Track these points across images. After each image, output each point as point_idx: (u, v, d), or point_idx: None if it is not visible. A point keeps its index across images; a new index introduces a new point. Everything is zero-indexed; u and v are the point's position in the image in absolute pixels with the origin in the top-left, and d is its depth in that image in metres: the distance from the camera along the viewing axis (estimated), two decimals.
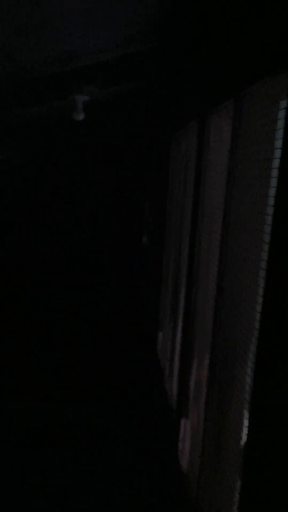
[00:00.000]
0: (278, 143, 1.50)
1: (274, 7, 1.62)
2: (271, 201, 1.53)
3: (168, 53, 2.54)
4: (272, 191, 1.54)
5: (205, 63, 2.75)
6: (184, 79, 3.31)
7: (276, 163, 1.53)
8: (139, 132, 7.48)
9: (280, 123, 1.48)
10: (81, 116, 3.64)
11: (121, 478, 3.16)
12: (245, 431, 1.69)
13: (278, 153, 1.49)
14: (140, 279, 7.46)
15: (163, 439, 3.51)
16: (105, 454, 3.39)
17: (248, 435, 1.58)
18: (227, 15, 1.89)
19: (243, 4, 1.78)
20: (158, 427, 3.69)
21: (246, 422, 1.68)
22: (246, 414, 1.67)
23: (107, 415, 3.90)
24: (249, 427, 1.58)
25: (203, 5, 1.78)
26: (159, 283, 5.04)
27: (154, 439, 3.55)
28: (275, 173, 1.52)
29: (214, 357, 2.21)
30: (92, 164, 7.72)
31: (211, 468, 2.16)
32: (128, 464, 3.29)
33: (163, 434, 3.55)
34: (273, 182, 1.54)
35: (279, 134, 1.49)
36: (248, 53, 1.96)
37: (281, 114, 1.47)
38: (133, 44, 2.28)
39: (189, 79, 3.27)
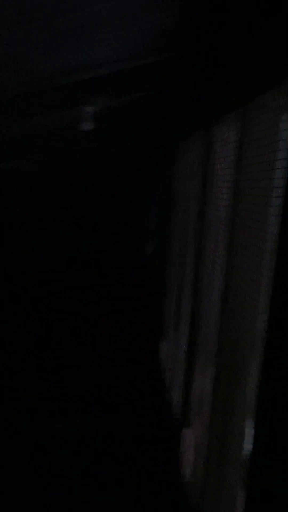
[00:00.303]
0: (282, 154, 1.52)
1: (278, 23, 1.65)
2: (276, 211, 1.54)
3: (176, 65, 2.59)
4: (277, 201, 1.55)
5: (213, 75, 2.79)
6: (191, 91, 3.35)
7: (280, 174, 1.54)
8: (145, 142, 7.53)
9: (284, 134, 1.50)
10: (89, 126, 3.68)
11: (123, 487, 3.14)
12: (249, 441, 1.68)
13: (281, 164, 1.51)
14: (144, 288, 7.46)
15: (166, 448, 3.49)
16: (107, 463, 3.37)
17: (253, 445, 1.58)
18: (235, 30, 1.93)
19: (249, 20, 1.82)
20: (161, 436, 3.67)
21: (250, 432, 1.67)
22: (250, 424, 1.67)
23: (110, 425, 3.88)
24: (254, 437, 1.58)
25: (212, 20, 1.82)
26: (162, 292, 5.05)
27: (156, 448, 3.53)
28: (280, 183, 1.54)
29: (219, 365, 2.21)
30: (98, 173, 7.77)
31: (215, 478, 2.15)
32: (130, 473, 3.27)
33: (166, 444, 3.53)
34: (278, 192, 1.56)
35: (282, 145, 1.51)
36: (253, 67, 2.00)
37: (285, 125, 1.49)
38: (143, 56, 2.33)
39: (196, 90, 3.31)
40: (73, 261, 7.60)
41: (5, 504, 2.80)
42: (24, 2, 1.43)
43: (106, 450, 3.53)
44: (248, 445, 1.67)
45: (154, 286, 6.39)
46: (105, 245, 8.01)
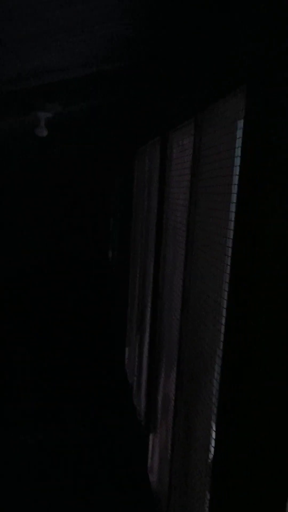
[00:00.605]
0: (237, 161, 1.56)
1: (231, 34, 1.70)
2: (233, 216, 1.57)
3: (130, 73, 2.60)
4: (233, 206, 1.59)
5: (167, 83, 2.83)
6: (147, 98, 3.38)
7: (236, 179, 1.58)
8: (103, 149, 7.52)
9: (238, 142, 1.53)
10: (44, 133, 3.63)
11: (90, 494, 3.09)
12: (213, 443, 1.70)
13: (237, 170, 1.55)
14: (107, 294, 7.42)
15: (132, 455, 3.47)
16: (72, 472, 3.31)
17: (215, 447, 1.60)
18: (189, 40, 1.97)
19: (201, 30, 1.85)
20: (127, 443, 3.65)
21: (214, 435, 1.69)
22: (214, 426, 1.68)
23: (74, 433, 3.82)
24: (216, 438, 1.59)
25: (166, 29, 1.85)
26: (125, 298, 5.04)
27: (123, 456, 3.50)
28: (235, 189, 1.57)
29: (181, 370, 2.23)
30: (57, 180, 7.67)
31: (181, 482, 2.15)
32: (97, 481, 3.22)
33: (132, 451, 3.52)
34: (234, 197, 1.59)
35: (237, 152, 1.54)
36: (207, 76, 2.04)
37: (239, 133, 1.53)
38: (98, 64, 2.32)
39: (151, 98, 3.34)
40: (33, 268, 7.45)
41: None
42: None
43: (71, 457, 3.47)
44: (212, 448, 1.69)
45: (117, 292, 6.37)
46: (66, 252, 7.90)
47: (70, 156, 7.42)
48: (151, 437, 3.04)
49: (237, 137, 1.58)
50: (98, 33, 1.90)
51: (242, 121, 1.50)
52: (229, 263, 1.56)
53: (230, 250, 1.56)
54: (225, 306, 1.58)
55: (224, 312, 1.59)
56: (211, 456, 1.68)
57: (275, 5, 1.28)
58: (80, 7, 1.56)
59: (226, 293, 1.57)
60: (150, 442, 3.05)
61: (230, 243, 1.57)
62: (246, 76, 1.47)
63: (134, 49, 2.13)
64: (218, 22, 1.76)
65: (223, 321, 1.59)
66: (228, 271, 1.56)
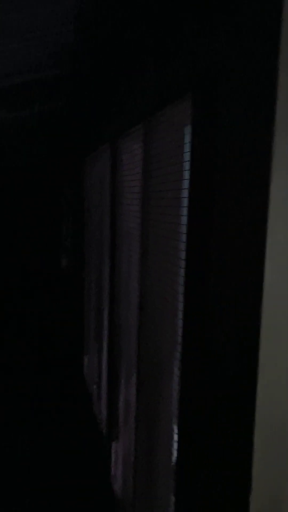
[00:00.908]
0: (186, 165, 1.59)
1: (176, 43, 1.73)
2: (184, 220, 1.60)
3: (79, 79, 2.59)
4: (184, 210, 1.61)
5: (113, 90, 2.84)
6: (95, 104, 3.37)
7: (186, 183, 1.61)
8: (52, 155, 7.42)
9: (187, 147, 1.56)
10: None
11: (54, 504, 3.01)
12: (175, 446, 1.71)
13: (187, 175, 1.58)
14: (62, 303, 7.30)
15: (95, 465, 3.42)
16: (32, 488, 3.21)
17: (178, 449, 1.61)
18: (135, 47, 1.99)
19: (149, 39, 1.88)
20: (89, 453, 3.59)
21: (176, 437, 1.70)
22: (175, 429, 1.69)
23: (33, 446, 3.71)
24: (178, 441, 1.60)
25: (112, 37, 1.86)
26: (81, 306, 4.98)
27: (85, 466, 3.44)
28: (186, 193, 1.60)
29: (141, 376, 2.23)
30: (5, 187, 7.47)
31: (145, 488, 2.14)
32: (59, 494, 3.15)
33: (95, 460, 3.46)
34: (185, 201, 1.62)
35: (186, 157, 1.57)
36: (153, 82, 2.06)
37: (187, 138, 1.56)
38: (44, 69, 2.29)
39: (100, 104, 3.34)
40: None
41: None
42: None
43: (33, 467, 3.37)
44: (174, 451, 1.69)
45: (72, 300, 6.28)
46: (15, 262, 7.69)
47: (17, 162, 7.26)
48: (113, 445, 3.02)
49: (186, 142, 1.61)
50: (42, 40, 1.88)
51: (189, 126, 1.53)
52: (183, 266, 1.58)
53: (183, 253, 1.58)
54: (181, 308, 1.60)
55: (181, 314, 1.61)
56: (174, 459, 1.69)
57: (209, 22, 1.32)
58: (21, 14, 1.54)
59: (182, 295, 1.59)
60: (113, 451, 3.02)
61: (183, 246, 1.59)
62: (191, 83, 1.50)
63: (78, 56, 2.13)
64: (163, 31, 1.79)
65: (180, 323, 1.60)
66: (182, 274, 1.58)
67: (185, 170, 1.62)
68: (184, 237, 1.59)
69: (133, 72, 2.40)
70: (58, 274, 8.28)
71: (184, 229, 1.60)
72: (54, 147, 6.68)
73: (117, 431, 2.93)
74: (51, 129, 4.77)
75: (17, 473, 3.37)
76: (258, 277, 1.04)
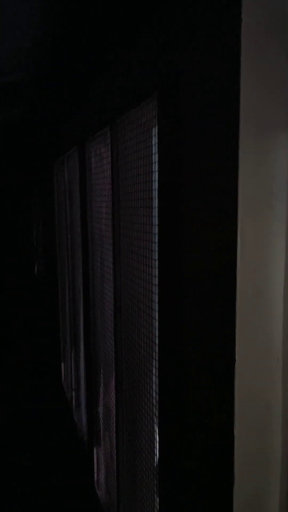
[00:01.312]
0: (155, 167, 1.60)
1: (139, 45, 1.74)
2: (156, 221, 1.61)
3: (42, 84, 2.57)
4: (155, 211, 1.62)
5: (81, 92, 2.83)
6: (61, 109, 3.35)
7: (156, 185, 1.62)
8: (20, 160, 7.31)
9: (155, 148, 1.57)
10: None
11: None
12: (157, 446, 1.71)
13: (156, 176, 1.58)
14: (37, 310, 7.19)
15: (78, 472, 3.38)
16: (15, 499, 3.14)
17: (160, 449, 1.61)
18: (99, 50, 1.98)
19: (112, 42, 1.88)
20: (71, 461, 3.55)
21: (157, 438, 1.70)
22: (156, 429, 1.69)
23: (14, 457, 3.64)
24: (160, 441, 1.60)
25: (75, 41, 1.85)
26: (56, 312, 4.92)
27: (68, 474, 3.40)
28: (156, 194, 1.61)
29: (119, 380, 2.22)
30: None
31: (129, 491, 2.13)
32: (42, 504, 3.09)
33: (77, 468, 3.42)
34: (155, 203, 1.63)
35: (155, 158, 1.58)
36: (119, 85, 2.07)
37: (154, 140, 1.57)
38: (6, 75, 2.26)
39: (66, 108, 3.32)
40: None
41: None
42: None
43: (15, 478, 3.30)
44: (156, 452, 1.69)
45: (47, 307, 6.19)
46: None
47: None
48: (95, 451, 2.99)
49: (153, 143, 1.62)
50: (11, 44, 1.86)
51: (155, 128, 1.54)
52: (156, 266, 1.58)
53: (156, 254, 1.59)
54: (157, 309, 1.61)
55: (156, 315, 1.62)
56: (156, 459, 1.69)
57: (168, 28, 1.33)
58: None
59: (156, 295, 1.60)
60: (95, 456, 3.00)
61: (155, 247, 1.60)
62: (156, 84, 1.51)
63: (41, 60, 2.11)
64: (126, 33, 1.80)
65: (156, 324, 1.61)
66: (156, 274, 1.59)
67: (154, 171, 1.63)
68: (156, 238, 1.60)
69: (98, 76, 2.40)
70: (32, 280, 8.16)
71: (156, 229, 1.60)
72: (22, 153, 6.59)
73: (98, 437, 2.91)
74: (17, 135, 4.70)
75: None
76: (230, 277, 1.05)
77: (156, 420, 1.66)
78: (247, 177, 1.02)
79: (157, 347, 1.61)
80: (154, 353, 1.66)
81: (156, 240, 1.59)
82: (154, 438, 1.72)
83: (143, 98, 1.63)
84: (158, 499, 1.65)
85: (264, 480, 1.14)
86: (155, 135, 1.57)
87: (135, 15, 1.59)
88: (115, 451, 2.32)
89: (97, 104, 2.55)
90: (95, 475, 3.01)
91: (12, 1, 1.46)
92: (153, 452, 1.73)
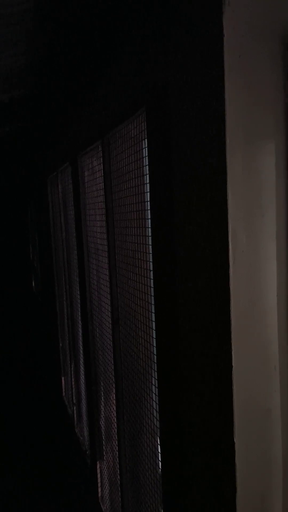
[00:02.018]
0: (147, 178, 1.61)
1: (128, 60, 1.77)
2: (149, 232, 1.62)
3: (33, 102, 2.60)
4: (149, 222, 1.63)
5: (72, 109, 2.86)
6: (52, 125, 3.38)
7: (148, 197, 1.63)
8: (16, 176, 7.34)
9: (146, 161, 1.59)
10: None
11: None
12: (160, 458, 1.70)
13: (148, 188, 1.60)
14: (36, 325, 7.16)
15: (82, 487, 3.34)
16: (23, 507, 3.11)
17: (162, 460, 1.60)
18: (88, 66, 2.02)
19: (101, 58, 1.91)
20: (75, 476, 3.51)
21: (160, 449, 1.69)
22: (159, 440, 1.68)
23: (18, 474, 3.60)
24: (162, 452, 1.60)
25: (64, 58, 1.89)
26: (55, 327, 4.90)
27: (72, 489, 3.36)
28: (149, 205, 1.62)
29: (120, 392, 2.21)
30: None
31: (133, 504, 2.12)
32: None
33: (81, 482, 3.39)
34: (149, 213, 1.64)
35: (146, 170, 1.60)
36: (108, 100, 2.10)
37: (145, 152, 1.59)
38: (2, 93, 2.29)
39: (57, 124, 3.35)
40: None
41: None
42: None
43: (18, 495, 3.26)
44: (160, 463, 1.68)
45: (46, 322, 6.17)
46: None
47: None
48: (98, 465, 2.96)
49: (144, 156, 1.64)
50: (5, 62, 1.88)
51: (145, 141, 1.56)
52: (152, 277, 1.59)
53: (151, 265, 1.60)
54: (154, 319, 1.61)
55: (154, 325, 1.62)
56: (160, 471, 1.68)
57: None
58: None
59: (153, 306, 1.60)
60: (98, 470, 2.97)
61: (150, 257, 1.61)
62: (144, 98, 1.54)
63: (30, 79, 2.14)
64: (115, 49, 1.83)
65: (154, 335, 1.61)
66: (152, 285, 1.60)
67: (146, 183, 1.65)
68: (150, 248, 1.61)
69: (88, 91, 2.43)
70: (30, 295, 8.14)
71: (150, 241, 1.61)
72: (16, 169, 6.63)
73: (100, 451, 2.89)
74: (10, 151, 4.74)
75: (1, 500, 3.25)
76: (224, 286, 1.06)
77: (157, 431, 1.65)
78: (236, 186, 1.04)
79: (155, 357, 1.61)
80: (153, 364, 1.66)
81: (151, 251, 1.60)
82: (156, 450, 1.71)
83: (132, 112, 1.65)
84: (162, 511, 1.64)
85: (266, 487, 1.14)
86: (145, 148, 1.60)
87: (119, 32, 1.62)
88: (118, 465, 2.31)
89: (88, 119, 2.58)
90: (99, 489, 2.98)
91: (4, 23, 1.49)
92: (157, 464, 1.72)
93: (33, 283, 8.24)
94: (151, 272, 1.60)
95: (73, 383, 3.95)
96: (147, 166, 1.59)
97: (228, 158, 1.02)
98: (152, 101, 1.45)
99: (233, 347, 1.05)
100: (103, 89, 2.17)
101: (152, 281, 1.59)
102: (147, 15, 1.46)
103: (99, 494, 2.98)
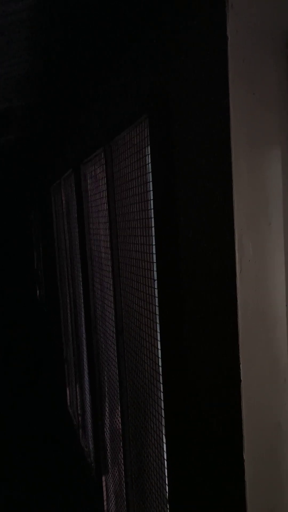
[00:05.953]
0: (150, 186, 1.59)
1: (130, 67, 1.75)
2: (153, 240, 1.59)
3: (34, 110, 2.60)
4: (153, 231, 1.61)
5: (74, 117, 2.85)
6: (55, 134, 3.38)
7: (151, 204, 1.61)
8: (19, 185, 7.36)
9: (149, 168, 1.57)
10: None
11: None
12: (166, 471, 1.65)
13: (151, 195, 1.58)
14: (40, 334, 7.14)
15: (87, 501, 3.29)
16: None
17: (169, 474, 1.56)
18: (90, 74, 2.01)
19: (103, 66, 1.90)
20: (80, 489, 3.46)
21: (166, 463, 1.65)
22: (165, 454, 1.64)
23: (22, 486, 3.55)
24: (168, 466, 1.56)
25: (70, 68, 1.88)
26: (60, 336, 4.87)
27: (78, 504, 3.31)
28: (153, 213, 1.60)
29: (125, 403, 2.17)
30: None
31: None
32: None
33: (87, 496, 3.33)
34: (153, 222, 1.61)
35: (149, 177, 1.58)
36: (111, 108, 2.08)
37: (148, 159, 1.57)
38: (4, 101, 2.29)
39: (59, 133, 3.35)
40: None
41: None
42: None
43: (23, 507, 3.21)
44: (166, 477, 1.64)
45: (50, 330, 6.15)
46: None
47: None
48: (104, 478, 2.91)
49: (147, 163, 1.62)
50: (8, 69, 1.88)
51: (148, 148, 1.54)
52: (156, 287, 1.56)
53: (155, 274, 1.57)
54: (158, 330, 1.58)
55: (158, 336, 1.59)
56: (166, 486, 1.64)
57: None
58: None
59: (158, 316, 1.57)
60: (104, 484, 2.91)
61: (154, 266, 1.58)
62: (146, 106, 1.52)
63: (32, 87, 2.13)
64: (117, 57, 1.82)
65: (159, 346, 1.58)
66: (156, 294, 1.57)
67: (150, 190, 1.62)
68: (154, 257, 1.58)
69: (91, 99, 2.42)
70: (35, 304, 8.13)
71: (153, 249, 1.59)
72: (19, 178, 6.64)
73: (106, 463, 2.84)
74: (13, 160, 4.74)
75: None
76: (231, 296, 1.03)
77: (164, 445, 1.61)
78: (242, 194, 1.01)
79: (160, 369, 1.57)
80: (158, 375, 1.63)
81: (155, 260, 1.57)
82: (163, 464, 1.67)
83: (134, 119, 1.63)
84: None
85: (277, 503, 1.09)
86: (148, 155, 1.57)
87: (120, 39, 1.60)
88: (123, 478, 2.26)
89: (91, 127, 2.57)
90: (105, 503, 2.92)
91: (4, 32, 1.48)
92: (163, 478, 1.67)
93: (38, 292, 8.22)
94: (155, 282, 1.57)
95: (77, 393, 3.90)
96: (150, 173, 1.57)
97: (233, 165, 1.00)
98: (154, 108, 1.43)
99: (241, 360, 1.02)
100: (105, 97, 2.15)
101: (156, 290, 1.56)
102: (148, 21, 1.44)
103: (105, 508, 2.92)
